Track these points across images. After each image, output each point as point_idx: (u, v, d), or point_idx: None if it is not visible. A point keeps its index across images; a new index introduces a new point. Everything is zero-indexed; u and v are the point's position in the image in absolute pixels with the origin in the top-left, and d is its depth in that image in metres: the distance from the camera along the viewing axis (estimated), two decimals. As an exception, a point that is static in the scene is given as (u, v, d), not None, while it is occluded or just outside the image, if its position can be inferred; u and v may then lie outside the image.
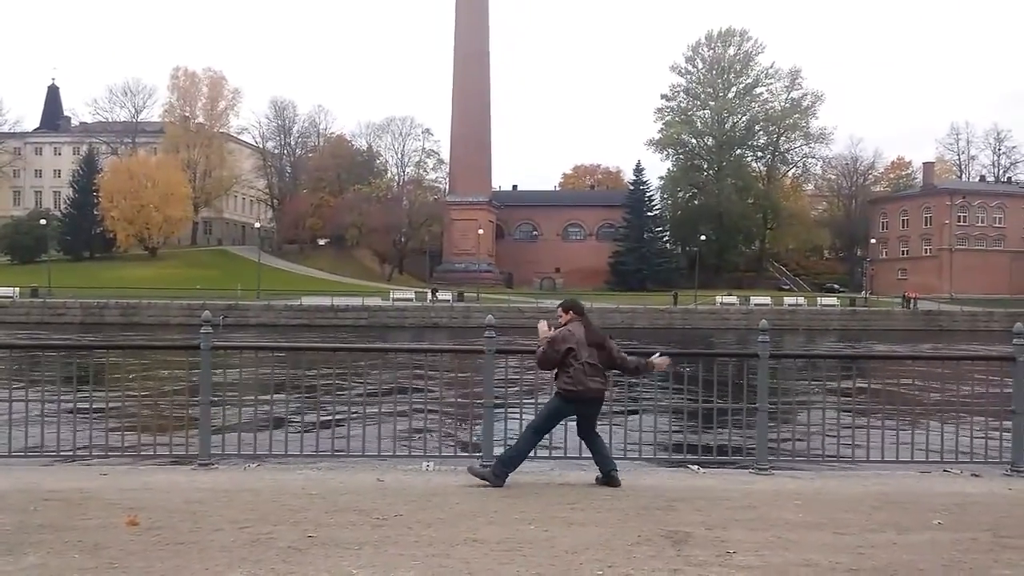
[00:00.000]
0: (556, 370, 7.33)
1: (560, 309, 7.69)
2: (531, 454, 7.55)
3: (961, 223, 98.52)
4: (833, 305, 74.31)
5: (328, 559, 5.04)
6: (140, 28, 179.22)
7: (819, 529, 5.94)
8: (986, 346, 42.64)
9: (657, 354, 7.71)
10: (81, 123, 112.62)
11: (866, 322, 68.18)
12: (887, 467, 8.25)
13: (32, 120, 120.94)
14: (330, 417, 9.30)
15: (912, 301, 75.40)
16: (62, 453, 8.11)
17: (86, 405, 8.63)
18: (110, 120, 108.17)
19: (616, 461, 7.57)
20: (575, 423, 7.54)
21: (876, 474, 8.07)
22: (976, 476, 8.03)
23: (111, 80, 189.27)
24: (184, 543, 5.34)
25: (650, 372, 7.76)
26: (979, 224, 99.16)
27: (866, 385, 9.14)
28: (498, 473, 7.21)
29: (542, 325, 7.64)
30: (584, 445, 7.62)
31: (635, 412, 8.57)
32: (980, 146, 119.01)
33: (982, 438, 8.72)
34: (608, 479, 7.28)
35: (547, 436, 7.68)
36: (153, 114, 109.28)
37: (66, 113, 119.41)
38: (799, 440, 8.76)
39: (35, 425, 8.32)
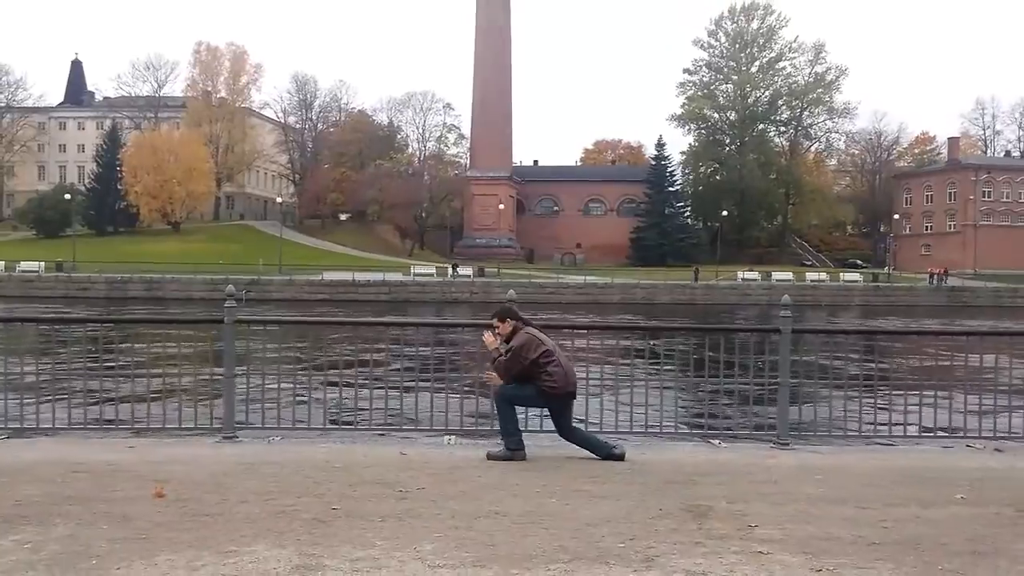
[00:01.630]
0: (524, 376, 7.24)
1: (496, 319, 7.46)
2: (553, 428, 7.57)
3: (986, 198, 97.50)
4: (856, 281, 73.80)
5: (352, 531, 5.10)
6: (163, 3, 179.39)
7: (841, 503, 5.94)
8: (1011, 322, 42.28)
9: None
10: (105, 98, 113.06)
11: (889, 298, 67.69)
12: (909, 442, 8.23)
13: (56, 95, 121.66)
14: (352, 391, 9.36)
15: (943, 277, 74.47)
16: (89, 426, 8.23)
17: (111, 378, 8.73)
18: (133, 95, 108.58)
19: (638, 436, 7.59)
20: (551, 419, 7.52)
21: (898, 449, 8.05)
22: (999, 451, 8.00)
23: (134, 55, 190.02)
24: (210, 515, 5.41)
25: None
26: (1004, 199, 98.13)
27: (888, 361, 9.10)
28: (513, 447, 7.24)
29: (487, 337, 7.51)
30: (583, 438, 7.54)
31: (656, 387, 8.56)
32: (1006, 121, 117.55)
33: (1006, 413, 8.68)
34: (612, 458, 7.21)
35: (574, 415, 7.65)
36: (176, 89, 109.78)
37: (90, 88, 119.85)
38: (821, 415, 8.74)
39: (62, 398, 8.44)
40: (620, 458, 7.22)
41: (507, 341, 7.35)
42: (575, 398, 7.47)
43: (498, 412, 7.44)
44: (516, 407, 7.43)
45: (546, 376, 7.17)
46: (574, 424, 7.59)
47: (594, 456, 7.24)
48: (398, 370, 8.72)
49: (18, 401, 8.27)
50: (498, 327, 7.43)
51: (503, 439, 7.36)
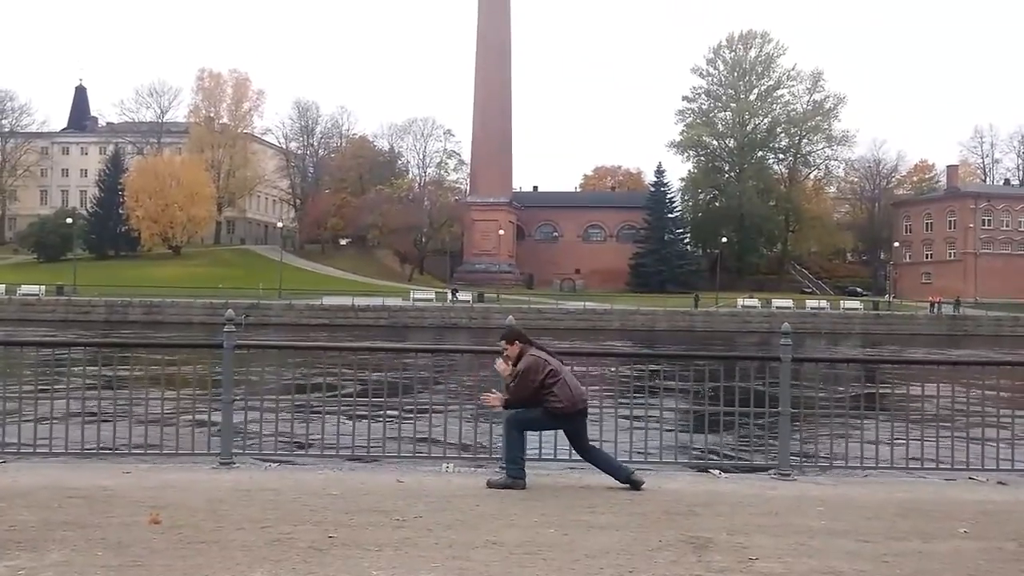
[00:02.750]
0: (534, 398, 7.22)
1: (504, 342, 7.47)
2: (552, 456, 7.52)
3: (986, 227, 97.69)
4: (856, 309, 73.75)
5: (348, 560, 5.05)
6: (166, 30, 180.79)
7: (842, 536, 5.88)
8: (1012, 351, 42.19)
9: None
10: (108, 123, 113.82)
11: (890, 326, 67.62)
12: (911, 474, 8.17)
13: (60, 120, 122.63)
14: (350, 417, 9.32)
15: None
16: (86, 451, 8.18)
17: (109, 402, 8.68)
18: (136, 120, 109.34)
19: (636, 466, 7.52)
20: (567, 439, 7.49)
21: (900, 481, 7.99)
22: (1002, 484, 7.94)
23: (138, 81, 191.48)
24: (206, 542, 5.36)
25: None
26: (1004, 228, 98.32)
27: (890, 390, 9.06)
28: (514, 474, 7.18)
29: (500, 365, 7.50)
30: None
31: (655, 416, 8.51)
32: (1004, 149, 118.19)
33: (1008, 446, 8.63)
34: (631, 484, 7.19)
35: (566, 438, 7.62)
36: (178, 115, 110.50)
37: (93, 113, 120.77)
38: (822, 445, 8.68)
39: (59, 423, 8.39)
40: (638, 486, 7.15)
41: (515, 363, 7.33)
42: (586, 416, 7.42)
43: (505, 438, 7.37)
44: (526, 434, 7.38)
45: (552, 397, 7.14)
46: (592, 444, 7.52)
47: (593, 485, 7.18)
48: (396, 396, 8.68)
49: (15, 425, 8.23)
50: (506, 349, 7.42)
51: (505, 466, 7.31)
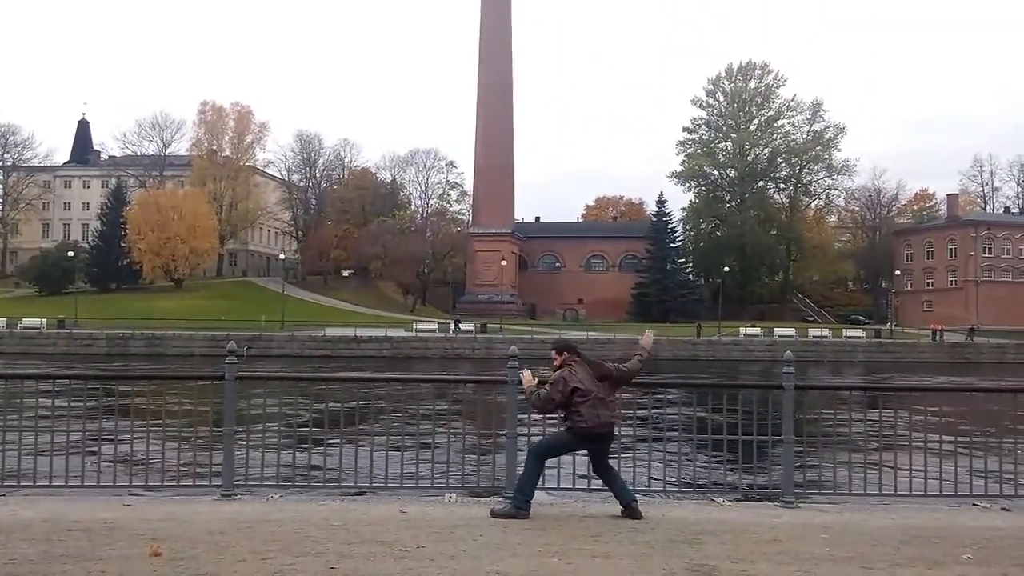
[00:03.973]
0: (563, 411, 7.32)
1: (554, 352, 7.62)
2: (555, 484, 7.49)
3: (987, 255, 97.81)
4: (858, 337, 73.68)
5: (350, 591, 5.01)
6: (169, 63, 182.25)
7: (847, 563, 5.85)
8: (1014, 379, 42.05)
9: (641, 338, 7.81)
10: (110, 157, 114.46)
11: (892, 354, 67.50)
12: (915, 501, 8.13)
13: (63, 154, 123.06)
14: (352, 447, 9.29)
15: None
16: (86, 484, 8.15)
17: (110, 435, 8.67)
18: (139, 154, 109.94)
19: (639, 494, 7.51)
20: (587, 458, 7.51)
21: (904, 508, 7.95)
22: (1006, 510, 7.90)
23: (140, 114, 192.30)
24: (207, 574, 5.33)
25: (646, 358, 7.80)
26: (1005, 256, 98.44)
27: (893, 417, 9.03)
28: (520, 504, 7.16)
29: (526, 375, 7.59)
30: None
31: (659, 444, 8.49)
32: (1004, 177, 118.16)
33: (1012, 472, 8.58)
34: (629, 511, 7.21)
35: (570, 467, 7.62)
36: (181, 148, 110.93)
37: (96, 147, 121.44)
38: (825, 473, 8.65)
39: (60, 455, 8.38)
40: (635, 515, 7.16)
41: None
42: (610, 440, 7.48)
43: (525, 467, 7.36)
44: (544, 466, 7.42)
45: (577, 416, 7.20)
46: (610, 463, 7.58)
47: (596, 514, 7.16)
48: (399, 427, 8.66)
49: (15, 457, 8.20)
50: (556, 360, 7.51)
51: (512, 496, 7.28)
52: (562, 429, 7.42)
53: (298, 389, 9.78)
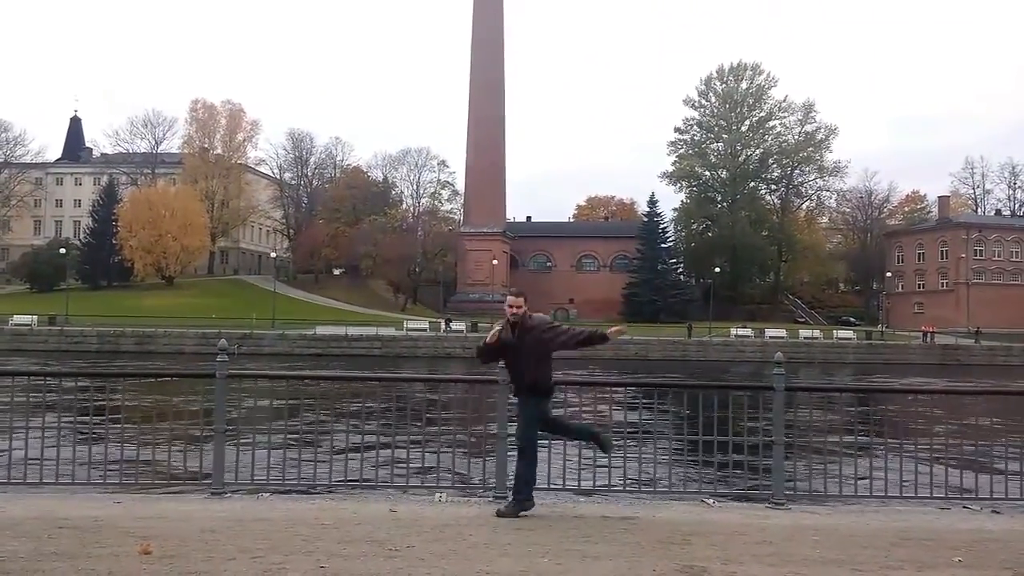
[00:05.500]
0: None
1: (521, 298, 7.87)
2: (546, 485, 7.48)
3: (978, 257, 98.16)
4: (849, 338, 73.88)
5: (341, 590, 5.00)
6: (161, 61, 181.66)
7: (837, 565, 5.86)
8: (1005, 381, 42.21)
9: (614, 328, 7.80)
10: (102, 154, 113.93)
11: (883, 356, 67.69)
12: (906, 503, 8.15)
13: (54, 151, 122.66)
14: (343, 446, 9.28)
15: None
16: (76, 481, 8.12)
17: (101, 433, 8.63)
18: (130, 151, 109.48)
19: (630, 495, 7.50)
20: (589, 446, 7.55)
21: (895, 510, 7.97)
22: (996, 513, 7.92)
23: (132, 112, 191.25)
24: (197, 572, 5.32)
25: (605, 341, 7.67)
26: (996, 258, 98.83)
27: (883, 419, 9.05)
28: (525, 495, 7.19)
29: (495, 328, 7.88)
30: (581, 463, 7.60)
31: (649, 445, 8.49)
32: (995, 180, 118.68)
33: (1001, 474, 8.61)
34: (598, 443, 7.39)
35: (560, 467, 7.62)
36: (173, 145, 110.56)
37: (87, 144, 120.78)
38: (816, 474, 8.66)
39: (50, 453, 8.34)
40: (607, 447, 7.37)
41: (518, 323, 7.58)
42: (538, 394, 7.50)
43: (523, 451, 7.30)
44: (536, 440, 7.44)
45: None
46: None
47: (587, 515, 7.15)
48: (389, 425, 8.65)
49: (5, 455, 8.17)
50: (523, 305, 7.73)
51: (518, 491, 7.23)
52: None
53: (288, 388, 9.75)
